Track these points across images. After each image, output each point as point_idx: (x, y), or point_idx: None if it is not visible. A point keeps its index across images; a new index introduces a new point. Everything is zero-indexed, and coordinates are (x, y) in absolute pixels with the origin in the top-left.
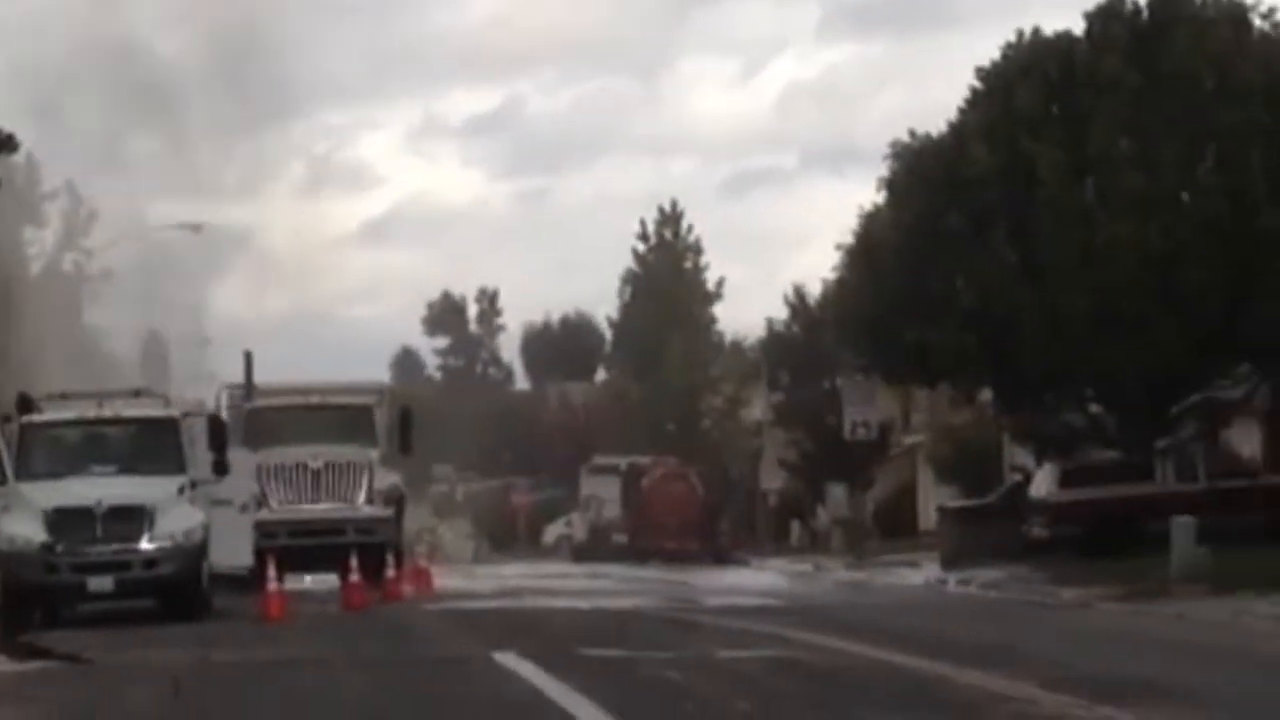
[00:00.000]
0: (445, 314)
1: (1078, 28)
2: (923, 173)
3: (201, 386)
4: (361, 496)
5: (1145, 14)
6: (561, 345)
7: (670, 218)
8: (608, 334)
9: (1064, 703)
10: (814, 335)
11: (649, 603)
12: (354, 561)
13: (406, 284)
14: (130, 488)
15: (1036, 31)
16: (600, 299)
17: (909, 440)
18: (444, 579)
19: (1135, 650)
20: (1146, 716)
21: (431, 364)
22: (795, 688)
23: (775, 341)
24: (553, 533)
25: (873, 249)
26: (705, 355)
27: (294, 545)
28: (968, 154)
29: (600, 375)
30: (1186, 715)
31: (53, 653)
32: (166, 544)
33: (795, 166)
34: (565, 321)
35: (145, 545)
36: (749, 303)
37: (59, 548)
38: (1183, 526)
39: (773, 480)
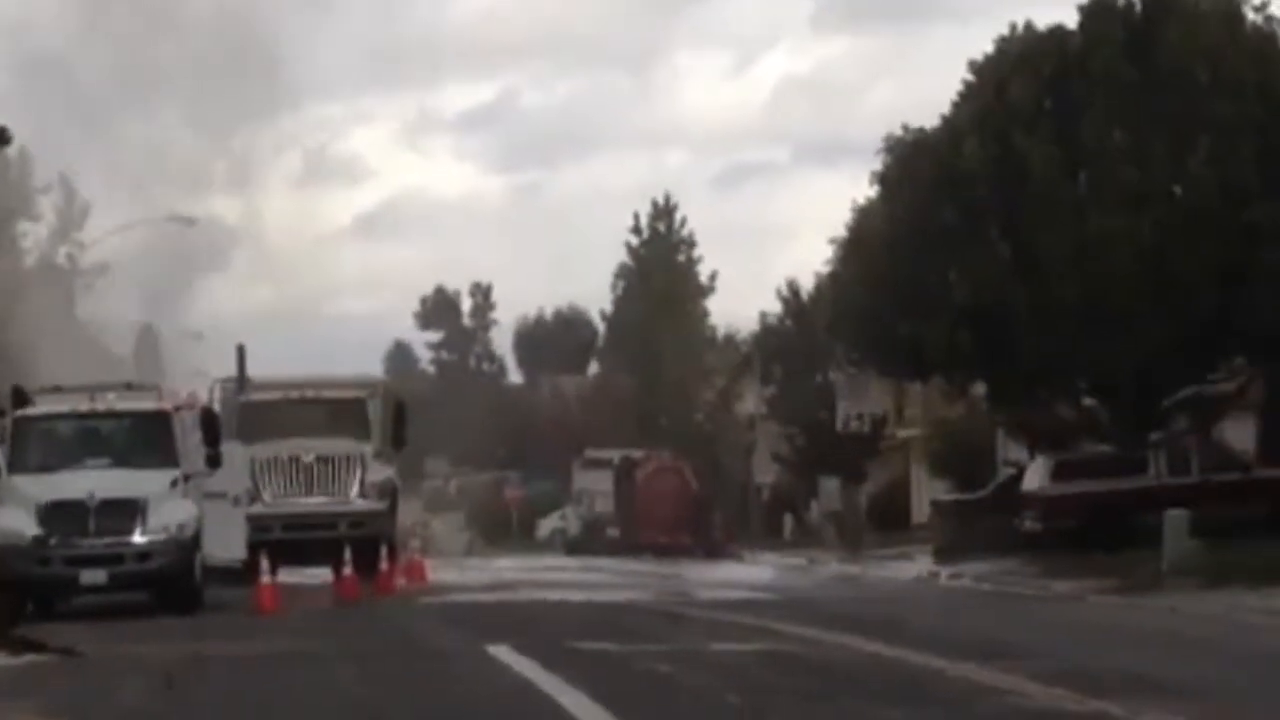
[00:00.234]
0: (438, 308)
1: (1071, 21)
2: (915, 167)
3: (195, 380)
4: (354, 490)
5: (1138, 8)
6: (554, 339)
7: (663, 211)
8: (601, 328)
9: (1056, 695)
10: (807, 329)
11: (642, 596)
12: (347, 555)
13: (400, 278)
14: (123, 481)
15: (1029, 25)
16: (593, 293)
17: (902, 434)
18: (437, 572)
19: (1128, 643)
20: (1139, 710)
21: (425, 358)
22: (787, 681)
23: (768, 335)
24: (546, 526)
25: (865, 243)
26: (698, 349)
27: (287, 539)
28: (960, 148)
29: (593, 369)
30: (1179, 708)
31: (45, 646)
32: (159, 537)
33: (788, 160)
34: (558, 315)
35: (138, 538)
36: (742, 296)
37: (52, 541)
38: (1175, 520)
39: (765, 474)
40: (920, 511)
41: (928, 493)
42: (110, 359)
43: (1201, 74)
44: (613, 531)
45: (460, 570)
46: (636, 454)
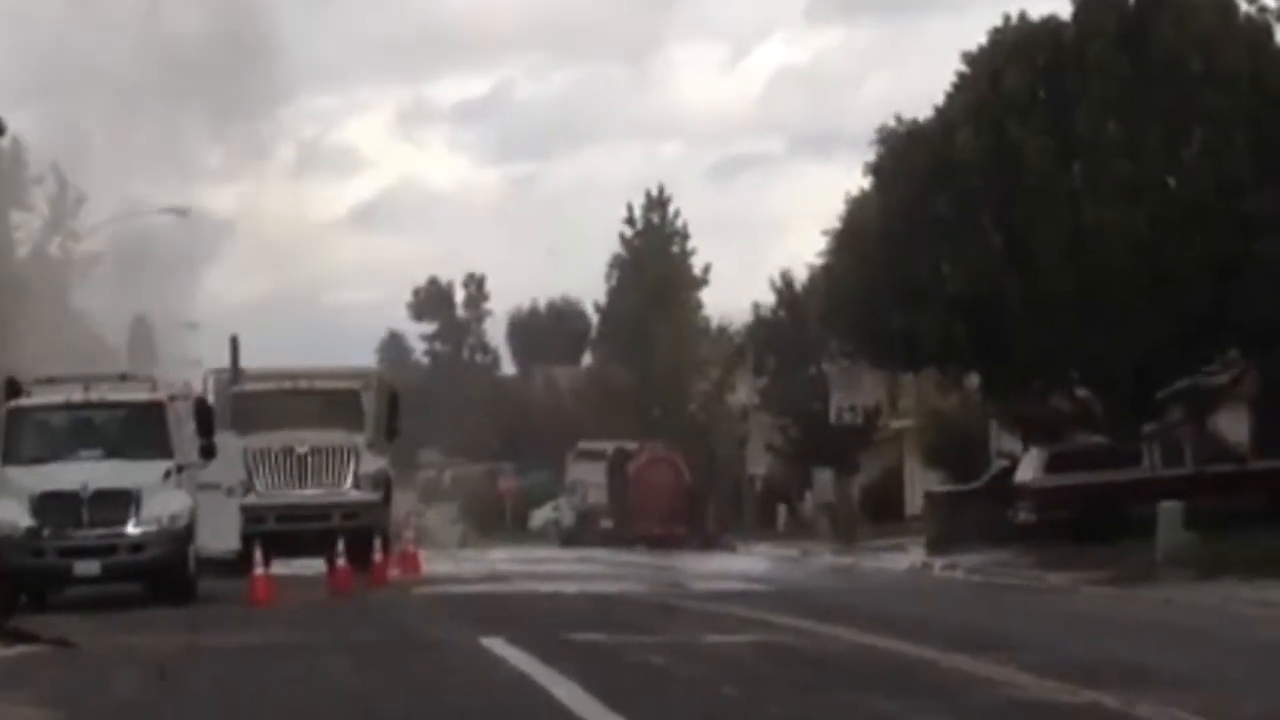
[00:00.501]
0: (432, 299)
1: (1065, 12)
2: (910, 158)
3: (188, 371)
4: (348, 481)
5: None
6: (548, 330)
7: (657, 202)
8: (594, 319)
9: (1050, 687)
10: (800, 320)
11: (635, 587)
12: (341, 546)
13: (394, 269)
14: (116, 472)
15: (1023, 16)
16: (587, 284)
17: (896, 425)
18: (431, 564)
19: (1122, 635)
20: (1133, 701)
21: (419, 349)
22: (781, 672)
23: (761, 326)
24: (539, 517)
25: (859, 234)
26: (692, 340)
27: (281, 530)
28: (954, 139)
29: (587, 360)
30: (1173, 700)
31: (39, 637)
32: (153, 528)
33: (782, 152)
34: (552, 306)
35: (131, 529)
36: (736, 288)
37: (45, 532)
38: (1169, 511)
39: (759, 465)
40: (914, 503)
41: (921, 484)
42: (103, 349)
43: (1195, 65)
44: (606, 523)
45: (454, 561)
46: (630, 445)
